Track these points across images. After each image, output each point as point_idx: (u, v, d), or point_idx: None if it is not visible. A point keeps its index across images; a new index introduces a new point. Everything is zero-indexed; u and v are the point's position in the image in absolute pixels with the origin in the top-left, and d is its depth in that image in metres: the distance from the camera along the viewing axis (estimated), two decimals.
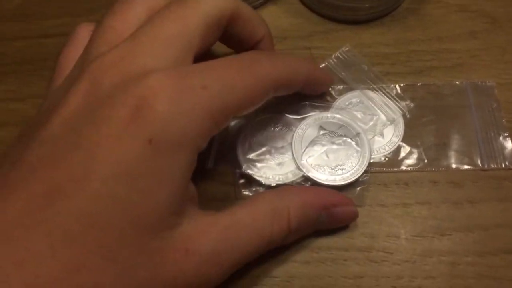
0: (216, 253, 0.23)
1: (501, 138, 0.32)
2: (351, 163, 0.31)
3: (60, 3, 0.41)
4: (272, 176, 0.31)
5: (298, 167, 0.31)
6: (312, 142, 0.32)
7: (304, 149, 0.31)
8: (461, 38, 0.37)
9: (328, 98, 0.34)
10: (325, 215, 0.28)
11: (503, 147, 0.32)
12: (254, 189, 0.31)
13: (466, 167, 0.32)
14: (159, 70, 0.22)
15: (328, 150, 0.31)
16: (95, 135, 0.21)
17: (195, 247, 0.23)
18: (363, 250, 0.29)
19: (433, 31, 0.37)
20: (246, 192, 0.31)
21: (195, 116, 0.22)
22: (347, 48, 0.36)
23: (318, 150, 0.31)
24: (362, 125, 0.32)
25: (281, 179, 0.31)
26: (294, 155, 0.31)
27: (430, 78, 0.35)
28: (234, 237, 0.24)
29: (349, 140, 0.32)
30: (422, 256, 0.29)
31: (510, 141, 0.32)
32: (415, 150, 0.32)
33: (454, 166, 0.32)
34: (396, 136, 0.32)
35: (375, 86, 0.34)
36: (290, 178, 0.31)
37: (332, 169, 0.31)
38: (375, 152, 0.32)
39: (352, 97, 0.34)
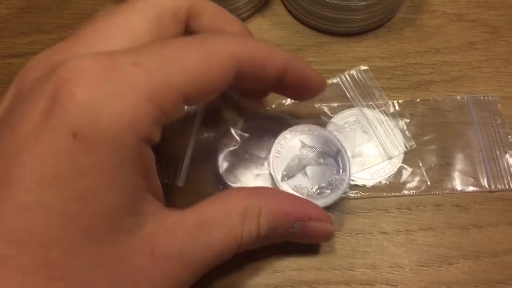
0: (185, 254, 0.21)
1: (507, 156, 0.30)
2: (332, 183, 0.29)
3: (28, 19, 0.38)
4: None
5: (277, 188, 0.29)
6: (292, 160, 0.29)
7: (283, 168, 0.29)
8: (460, 50, 0.35)
9: (322, 116, 0.32)
10: (298, 227, 0.25)
11: (510, 166, 0.30)
12: None
13: (471, 189, 0.30)
14: (85, 54, 0.19)
15: (308, 169, 0.29)
16: (11, 138, 0.18)
17: (161, 248, 0.20)
18: (365, 283, 0.27)
19: (430, 43, 0.35)
20: None
21: (128, 98, 0.18)
22: (364, 68, 0.33)
23: (298, 169, 0.29)
24: (358, 149, 0.30)
25: None
26: (273, 175, 0.29)
27: (429, 93, 0.33)
28: (204, 236, 0.22)
29: (330, 158, 0.29)
30: None
31: None
32: (417, 172, 0.30)
33: (459, 188, 0.30)
34: (397, 157, 0.30)
35: (378, 110, 0.32)
36: None
37: (312, 190, 0.28)
38: (375, 175, 0.30)
39: (349, 115, 0.32)
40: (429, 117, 0.32)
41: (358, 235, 0.29)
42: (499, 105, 0.32)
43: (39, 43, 0.36)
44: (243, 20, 0.37)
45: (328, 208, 0.28)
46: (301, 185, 0.28)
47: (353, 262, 0.28)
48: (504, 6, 0.37)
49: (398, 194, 0.30)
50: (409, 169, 0.30)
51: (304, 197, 0.28)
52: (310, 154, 0.29)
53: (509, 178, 0.30)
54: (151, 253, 0.20)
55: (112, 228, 0.19)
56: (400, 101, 0.32)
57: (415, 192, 0.30)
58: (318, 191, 0.28)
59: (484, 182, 0.30)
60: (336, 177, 0.29)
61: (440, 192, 0.30)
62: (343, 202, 0.29)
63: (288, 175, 0.29)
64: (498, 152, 0.30)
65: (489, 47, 0.35)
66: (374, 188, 0.30)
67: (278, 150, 0.29)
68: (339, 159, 0.29)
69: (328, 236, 0.27)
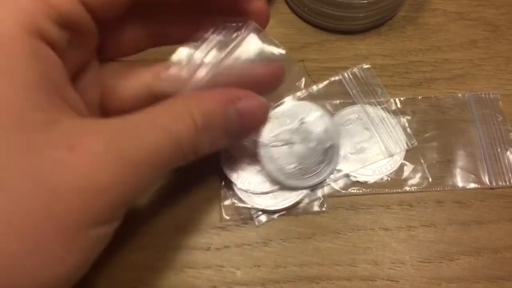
0: (114, 151, 0.19)
1: (508, 153, 0.31)
2: (310, 170, 0.29)
3: None
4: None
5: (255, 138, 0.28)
6: (284, 131, 0.29)
7: (273, 132, 0.29)
8: (462, 48, 0.35)
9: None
10: (233, 111, 0.24)
11: (511, 163, 0.30)
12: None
13: (472, 185, 0.30)
14: None
15: (296, 147, 0.29)
16: None
17: (82, 144, 0.19)
18: (367, 279, 0.27)
19: (432, 41, 0.36)
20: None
21: None
22: (366, 66, 0.34)
23: (286, 141, 0.29)
24: (360, 146, 0.31)
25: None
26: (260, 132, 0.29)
27: (431, 91, 0.33)
28: (134, 136, 0.20)
29: (320, 146, 0.29)
30: (430, 284, 0.27)
31: None
32: (418, 168, 0.30)
33: (460, 185, 0.30)
34: (398, 154, 0.30)
35: (379, 107, 0.32)
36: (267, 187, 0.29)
37: (289, 167, 0.29)
38: (377, 172, 0.30)
39: (351, 112, 0.32)
40: (430, 114, 0.32)
41: (359, 231, 0.29)
42: (500, 102, 0.32)
43: None
44: None
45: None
46: (280, 158, 0.28)
47: (354, 258, 0.28)
48: (505, 4, 0.37)
49: (399, 190, 0.30)
50: (411, 166, 0.30)
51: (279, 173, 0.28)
52: (306, 134, 0.29)
53: (510, 175, 0.30)
54: (70, 148, 0.19)
55: (13, 120, 0.18)
56: (401, 99, 0.33)
57: (417, 189, 0.30)
58: (294, 172, 0.29)
59: (485, 179, 0.30)
60: (317, 166, 0.29)
61: (441, 189, 0.30)
62: (345, 199, 0.30)
63: (274, 140, 0.29)
64: (499, 149, 0.31)
65: (490, 45, 0.35)
66: (375, 184, 0.30)
67: (278, 113, 0.29)
68: (329, 152, 0.29)
69: (264, 109, 0.26)
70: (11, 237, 0.17)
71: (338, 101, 0.32)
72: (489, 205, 0.29)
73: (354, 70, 0.33)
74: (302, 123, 0.29)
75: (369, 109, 0.32)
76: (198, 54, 0.25)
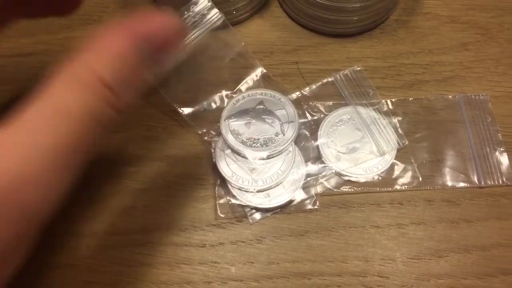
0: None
1: (497, 153, 0.31)
2: (267, 142, 0.31)
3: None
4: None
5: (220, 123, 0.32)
6: (245, 111, 0.32)
7: (234, 111, 0.32)
8: (453, 50, 0.36)
9: (319, 113, 0.33)
10: (143, 43, 0.20)
11: (499, 163, 0.31)
12: None
13: (462, 184, 0.30)
14: None
15: (253, 123, 0.32)
16: None
17: None
18: (358, 275, 0.28)
19: (423, 44, 0.36)
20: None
21: None
22: (358, 68, 0.35)
23: (245, 118, 0.32)
24: (352, 146, 0.32)
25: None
26: (224, 113, 0.32)
27: (422, 92, 0.34)
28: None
29: (278, 122, 0.32)
30: (419, 280, 0.28)
31: (506, 157, 0.31)
32: (409, 168, 0.31)
33: (449, 184, 0.30)
34: (389, 153, 0.31)
35: (371, 108, 0.33)
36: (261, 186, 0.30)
37: (248, 139, 0.31)
38: (368, 171, 0.31)
39: (344, 113, 0.33)
40: (421, 115, 0.33)
41: (351, 229, 0.29)
42: (490, 104, 0.33)
43: (44, 43, 0.37)
44: (243, 21, 0.38)
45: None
46: (239, 131, 0.31)
47: (346, 254, 0.29)
48: (495, 8, 0.38)
49: (390, 189, 0.30)
50: (401, 165, 0.31)
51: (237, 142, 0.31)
52: (263, 112, 0.32)
53: (498, 174, 0.31)
54: None
55: None
56: (393, 100, 0.33)
57: (407, 188, 0.30)
58: (251, 142, 0.31)
59: (474, 178, 0.31)
60: (274, 137, 0.31)
61: (431, 188, 0.30)
62: (337, 197, 0.30)
63: (234, 117, 0.32)
64: (488, 149, 0.31)
65: (481, 48, 0.36)
66: (367, 183, 0.31)
67: (238, 99, 0.33)
68: (287, 127, 0.31)
69: (174, 25, 0.21)
70: None
71: (331, 103, 0.33)
72: (477, 203, 0.30)
73: (346, 72, 0.34)
74: (261, 104, 0.32)
75: (361, 110, 0.33)
76: None
